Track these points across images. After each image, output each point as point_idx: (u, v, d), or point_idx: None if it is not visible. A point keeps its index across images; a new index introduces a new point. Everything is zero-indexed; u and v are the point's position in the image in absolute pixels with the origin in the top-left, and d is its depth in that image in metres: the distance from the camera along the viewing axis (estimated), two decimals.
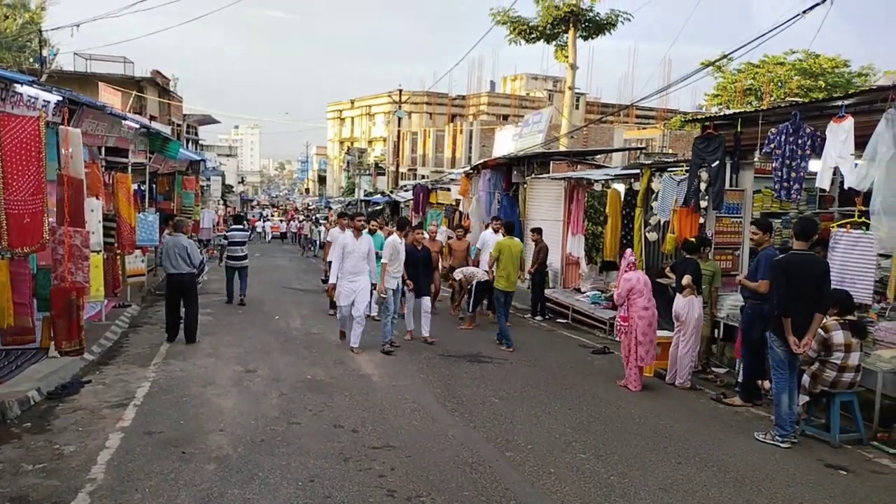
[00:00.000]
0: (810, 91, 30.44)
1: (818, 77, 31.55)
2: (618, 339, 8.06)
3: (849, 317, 6.19)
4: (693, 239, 8.43)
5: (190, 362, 8.14)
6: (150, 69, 28.40)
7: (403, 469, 5.01)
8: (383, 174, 44.65)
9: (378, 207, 31.80)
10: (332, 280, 8.98)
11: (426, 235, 11.11)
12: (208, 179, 33.53)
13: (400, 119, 36.10)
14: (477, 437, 5.77)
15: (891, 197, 5.90)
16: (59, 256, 7.50)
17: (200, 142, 41.12)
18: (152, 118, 21.54)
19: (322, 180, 71.63)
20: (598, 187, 12.98)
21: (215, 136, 77.21)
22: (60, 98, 7.88)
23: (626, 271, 7.70)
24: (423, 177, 37.11)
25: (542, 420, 6.34)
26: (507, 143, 19.03)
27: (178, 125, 31.26)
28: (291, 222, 41.18)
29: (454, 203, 19.62)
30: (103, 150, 10.78)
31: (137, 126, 12.25)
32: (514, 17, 22.35)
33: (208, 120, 39.72)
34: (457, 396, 6.94)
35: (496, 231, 11.35)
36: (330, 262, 11.74)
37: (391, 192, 33.82)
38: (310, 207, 57.48)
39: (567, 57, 22.33)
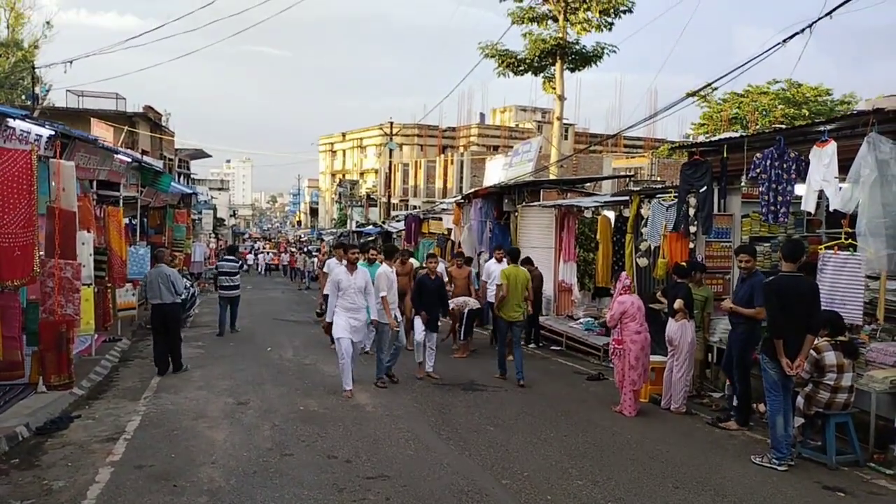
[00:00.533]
0: (794, 119, 31.01)
1: (801, 106, 32.20)
2: (611, 364, 8.04)
3: (840, 338, 6.22)
4: (684, 263, 8.49)
5: (181, 395, 8.05)
6: (142, 105, 28.62)
7: (399, 499, 4.94)
8: (375, 205, 44.84)
9: (370, 238, 31.89)
10: (327, 318, 8.38)
11: (441, 265, 10.67)
12: (200, 213, 33.53)
13: (392, 151, 36.43)
14: (473, 466, 5.72)
15: (875, 219, 5.99)
16: (48, 289, 7.45)
17: (192, 176, 41.23)
18: (144, 152, 21.60)
19: (314, 212, 71.82)
20: (588, 214, 13.09)
21: (207, 170, 77.50)
22: (53, 132, 7.94)
23: (620, 294, 7.73)
24: (414, 207, 37.27)
25: (538, 447, 6.29)
26: (497, 172, 19.21)
27: (170, 159, 31.37)
28: (283, 254, 41.16)
29: (446, 232, 19.69)
30: (95, 183, 10.80)
31: (129, 160, 12.31)
32: (503, 50, 22.75)
33: (200, 154, 39.90)
34: (452, 425, 6.89)
35: (499, 260, 11.01)
36: (326, 296, 11.70)
37: (383, 222, 33.93)
38: (302, 239, 57.52)
39: (555, 88, 22.69)
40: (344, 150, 64.65)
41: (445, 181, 36.65)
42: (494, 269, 11.07)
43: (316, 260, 29.60)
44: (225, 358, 10.67)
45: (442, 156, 41.25)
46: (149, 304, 9.55)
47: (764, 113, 32.42)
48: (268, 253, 45.37)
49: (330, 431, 6.62)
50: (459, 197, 18.88)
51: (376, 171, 51.40)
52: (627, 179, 18.26)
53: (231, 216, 65.98)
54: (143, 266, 12.43)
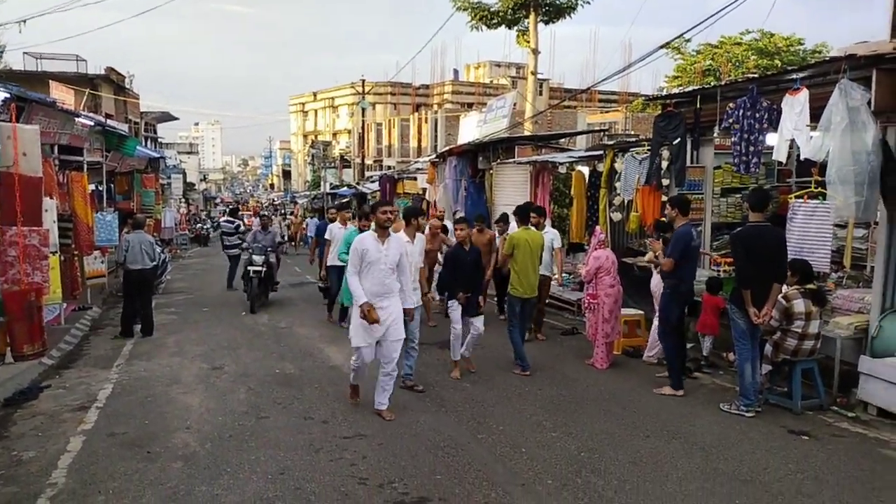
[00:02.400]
0: (767, 70, 30.91)
1: (774, 56, 32.17)
2: (585, 318, 8.10)
3: (809, 286, 6.32)
4: (664, 219, 8.49)
5: (154, 362, 7.96)
6: (104, 67, 27.56)
7: (375, 457, 4.97)
8: (349, 166, 44.27)
9: (345, 200, 31.55)
10: (358, 301, 5.66)
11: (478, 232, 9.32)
12: (169, 178, 32.81)
13: (364, 110, 35.79)
14: (449, 422, 5.76)
15: (845, 166, 6.01)
16: (9, 258, 7.24)
17: (159, 139, 40.15)
18: (108, 116, 20.89)
19: (287, 175, 70.75)
20: (563, 170, 13.05)
21: (175, 133, 75.81)
22: (7, 94, 7.60)
23: (595, 249, 7.75)
24: (389, 167, 36.89)
25: (514, 402, 6.36)
26: (471, 130, 18.99)
27: (136, 123, 30.43)
28: (255, 218, 40.62)
29: (421, 192, 19.56)
30: (56, 148, 10.43)
31: (91, 123, 11.89)
32: (475, 2, 22.27)
33: (167, 117, 38.77)
34: (428, 383, 6.92)
35: (502, 232, 9.58)
36: (323, 262, 10.69)
37: (358, 183, 33.56)
38: (275, 203, 56.77)
39: (529, 42, 22.34)
40: (315, 111, 63.40)
41: (420, 140, 36.25)
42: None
43: (289, 223, 29.29)
44: (199, 323, 10.56)
45: (416, 114, 40.70)
46: (121, 270, 9.53)
47: (737, 64, 32.34)
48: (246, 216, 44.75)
49: (306, 393, 6.61)
50: (434, 156, 18.69)
51: (349, 132, 50.61)
52: (602, 134, 18.17)
53: (201, 180, 64.74)
54: (112, 233, 12.14)
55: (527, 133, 18.68)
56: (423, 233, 7.85)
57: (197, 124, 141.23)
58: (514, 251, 7.44)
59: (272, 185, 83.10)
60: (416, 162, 24.79)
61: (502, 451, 5.12)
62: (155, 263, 9.81)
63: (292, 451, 5.06)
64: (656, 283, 7.81)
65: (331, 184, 39.36)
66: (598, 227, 8.52)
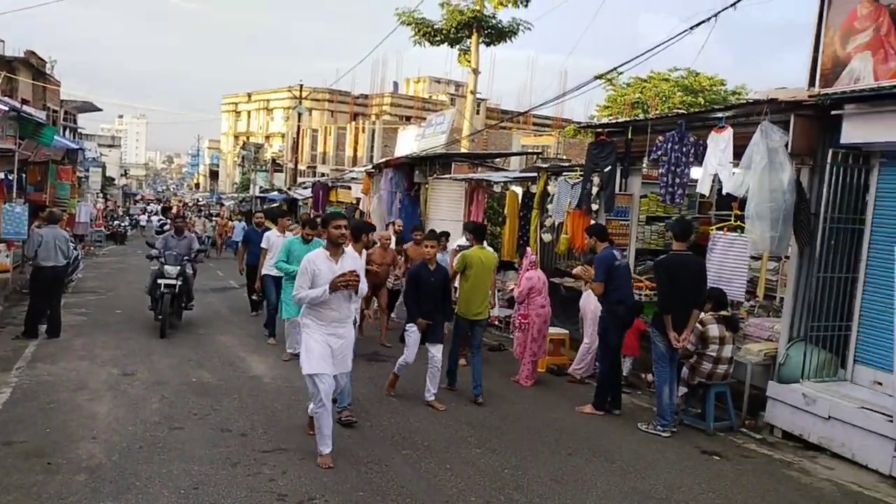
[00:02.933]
0: (691, 107, 32.63)
1: (698, 94, 33.95)
2: (512, 336, 8.18)
3: (723, 312, 6.66)
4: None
5: (59, 365, 7.46)
6: (23, 50, 25.93)
7: (295, 472, 4.81)
8: (281, 170, 43.39)
9: (275, 204, 30.86)
10: (317, 295, 4.93)
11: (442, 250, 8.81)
12: (87, 171, 31.16)
13: (300, 115, 35.22)
14: (373, 437, 5.67)
15: (763, 203, 6.36)
16: None
17: (79, 130, 38.07)
18: (24, 102, 19.63)
19: (214, 175, 68.59)
20: (497, 189, 13.22)
21: (97, 125, 72.12)
22: None
23: (527, 270, 7.87)
24: (322, 174, 36.38)
25: (438, 417, 6.33)
26: (409, 143, 19.01)
27: (55, 111, 28.73)
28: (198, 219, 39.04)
29: (355, 202, 19.36)
30: None
31: (6, 108, 11.15)
32: (419, 18, 22.38)
33: (89, 107, 36.80)
34: (353, 396, 6.77)
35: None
36: (268, 277, 9.29)
37: (289, 189, 32.91)
38: (200, 203, 54.87)
39: (470, 62, 22.63)
40: (249, 112, 61.92)
41: (356, 149, 35.98)
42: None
43: (215, 223, 28.34)
44: (110, 325, 9.99)
45: (353, 123, 40.40)
46: (29, 266, 8.88)
47: (664, 99, 33.94)
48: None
49: (224, 404, 6.35)
50: (370, 166, 18.57)
51: (283, 136, 49.64)
52: (535, 157, 18.58)
53: (122, 175, 61.73)
54: (20, 226, 11.38)
55: (464, 150, 18.85)
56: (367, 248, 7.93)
57: (121, 117, 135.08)
58: (467, 270, 7.14)
59: (198, 185, 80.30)
60: (351, 171, 24.56)
61: (426, 467, 5.07)
62: (68, 261, 9.22)
63: (207, 465, 4.83)
64: (585, 301, 8.02)
65: (261, 187, 38.46)
66: (529, 249, 8.67)
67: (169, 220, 14.12)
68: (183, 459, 4.91)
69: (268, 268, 9.27)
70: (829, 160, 6.26)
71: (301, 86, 35.76)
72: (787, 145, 6.43)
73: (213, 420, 5.86)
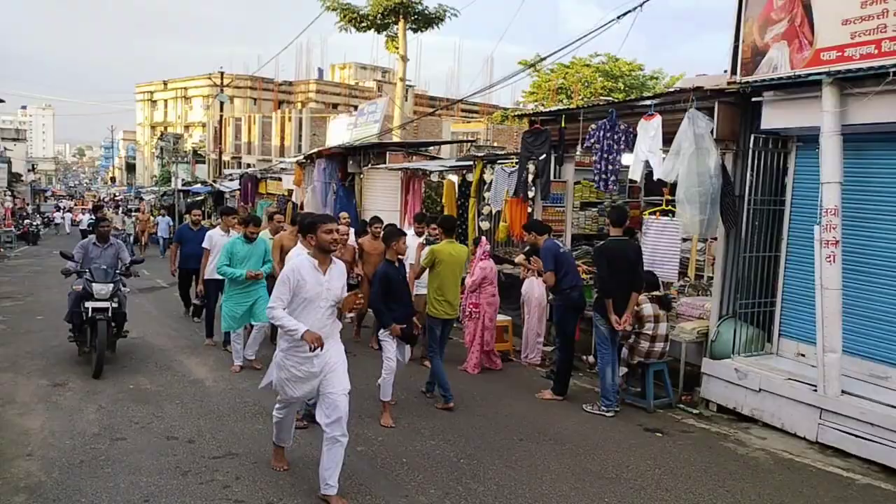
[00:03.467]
0: (612, 91, 33.73)
1: (618, 79, 35.03)
2: (461, 324, 8.26)
3: (655, 292, 6.98)
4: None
5: None
6: None
7: (250, 477, 4.73)
8: (203, 162, 41.84)
9: (199, 198, 29.74)
10: (297, 331, 4.28)
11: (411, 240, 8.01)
12: None
13: (222, 104, 33.97)
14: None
15: (692, 188, 6.66)
16: None
17: None
18: None
19: (131, 168, 65.39)
20: (434, 178, 13.25)
21: None
22: None
23: (481, 259, 7.94)
24: (249, 165, 35.33)
25: (391, 411, 6.33)
26: (341, 132, 18.73)
27: None
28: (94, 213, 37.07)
29: (287, 193, 18.94)
30: None
31: None
32: (345, 4, 22.02)
33: None
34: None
35: (420, 234, 8.53)
36: (182, 276, 10.25)
37: (214, 181, 31.80)
38: (116, 197, 52.25)
39: (398, 48, 22.47)
40: (166, 100, 59.15)
41: (283, 139, 35.09)
42: (411, 244, 7.94)
43: (135, 219, 27.06)
44: (33, 333, 9.43)
45: (278, 111, 39.37)
46: None
47: (586, 84, 34.81)
48: (81, 211, 40.70)
49: (167, 410, 6.14)
50: (302, 156, 18.19)
51: (204, 125, 47.79)
52: (469, 145, 18.71)
53: (30, 171, 57.85)
54: None
55: (397, 139, 18.75)
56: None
57: (24, 108, 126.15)
58: (436, 266, 6.69)
59: (113, 179, 76.36)
60: (280, 162, 23.97)
61: (383, 462, 5.09)
62: None
63: (156, 476, 4.67)
64: (528, 288, 8.19)
65: (183, 180, 36.96)
66: (483, 238, 8.76)
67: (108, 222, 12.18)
68: (129, 471, 4.72)
69: (210, 272, 8.49)
70: (751, 145, 6.61)
71: (222, 73, 34.49)
72: (712, 131, 6.76)
73: (156, 428, 5.66)
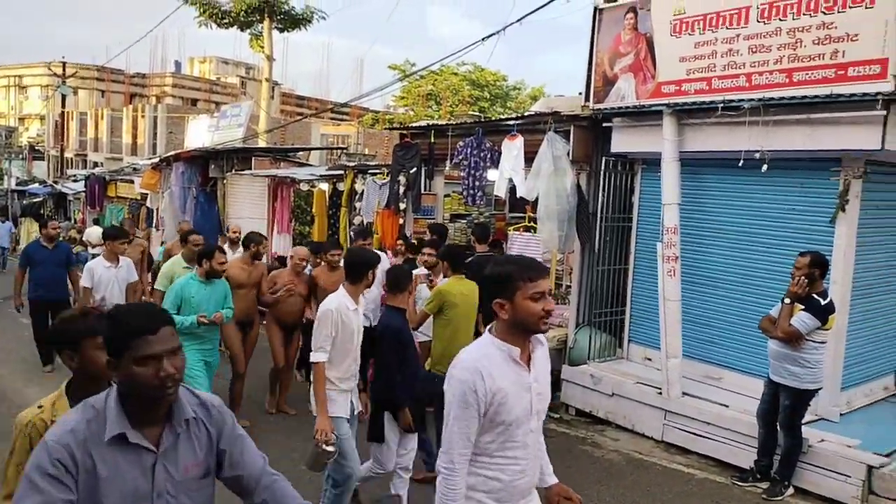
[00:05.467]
0: (479, 100, 34.99)
1: (484, 88, 36.35)
2: None
3: None
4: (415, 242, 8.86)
5: None
6: None
7: None
8: (42, 159, 37.96)
9: (38, 200, 26.95)
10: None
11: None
12: None
13: (64, 96, 31.01)
14: None
15: (551, 205, 7.10)
16: None
17: None
18: None
19: None
20: (304, 187, 12.97)
21: None
22: None
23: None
24: (96, 164, 32.58)
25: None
26: (202, 134, 17.78)
27: None
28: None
29: (140, 197, 17.70)
30: None
31: None
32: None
33: None
34: None
35: (430, 266, 6.25)
36: (34, 310, 7.73)
37: (55, 181, 28.95)
38: None
39: (263, 47, 21.75)
40: None
41: (135, 136, 32.67)
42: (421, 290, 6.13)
43: None
44: None
45: (130, 106, 36.61)
46: None
47: (454, 91, 35.77)
48: None
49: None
50: (157, 159, 17.07)
51: (43, 118, 43.35)
52: (340, 151, 18.53)
53: None
54: None
55: (262, 142, 18.13)
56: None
57: None
58: (446, 310, 5.07)
59: None
60: (133, 164, 22.32)
61: None
62: None
63: None
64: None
65: (17, 178, 33.25)
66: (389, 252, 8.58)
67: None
68: None
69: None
70: (602, 167, 7.16)
71: (64, 63, 31.48)
72: (568, 153, 7.25)
73: None
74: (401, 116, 34.73)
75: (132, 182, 19.22)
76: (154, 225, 15.87)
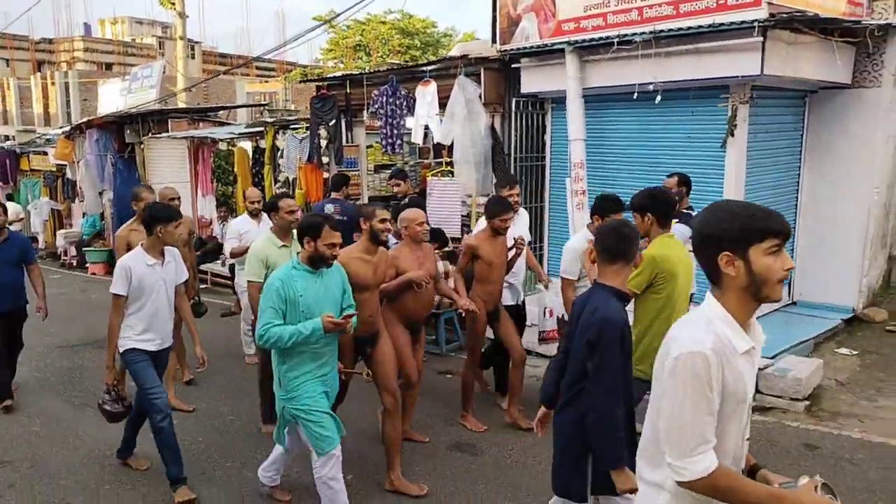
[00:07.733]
0: (409, 48, 34.34)
1: (414, 36, 35.67)
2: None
3: (445, 248, 7.53)
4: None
5: None
6: None
7: (27, 482, 4.44)
8: None
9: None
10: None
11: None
12: None
13: None
14: (113, 427, 5.35)
15: (467, 149, 7.23)
16: None
17: None
18: None
19: None
20: (224, 146, 12.69)
21: None
22: None
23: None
24: (7, 137, 30.68)
25: (189, 392, 6.22)
26: (114, 98, 17.01)
27: None
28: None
29: (55, 169, 16.92)
30: None
31: None
32: None
33: None
34: (84, 390, 6.28)
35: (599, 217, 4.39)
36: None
37: None
38: None
39: (174, 4, 20.68)
40: None
41: (47, 106, 30.89)
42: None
43: None
44: None
45: (38, 74, 34.43)
46: None
47: (384, 41, 35.01)
48: None
49: None
50: (68, 127, 16.29)
51: None
52: (262, 108, 18.04)
53: None
54: None
55: (181, 103, 17.47)
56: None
57: None
58: (660, 285, 3.59)
59: None
60: (45, 134, 21.20)
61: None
62: None
63: None
64: None
65: None
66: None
67: None
68: None
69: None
70: (514, 108, 7.32)
71: None
72: (480, 96, 7.35)
73: None
74: (330, 70, 33.85)
75: (45, 154, 18.31)
76: (71, 196, 15.29)
